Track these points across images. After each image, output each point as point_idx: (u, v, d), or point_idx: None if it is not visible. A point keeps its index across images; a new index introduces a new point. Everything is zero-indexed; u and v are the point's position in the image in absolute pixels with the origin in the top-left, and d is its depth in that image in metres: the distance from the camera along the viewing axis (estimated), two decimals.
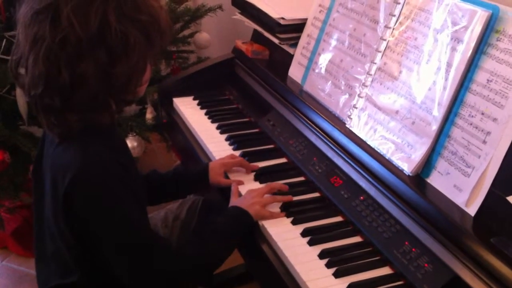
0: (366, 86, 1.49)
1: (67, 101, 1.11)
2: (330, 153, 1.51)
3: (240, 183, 1.53)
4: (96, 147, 1.17)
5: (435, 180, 1.27)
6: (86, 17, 1.06)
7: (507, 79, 1.15)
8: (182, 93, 2.02)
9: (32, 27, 1.09)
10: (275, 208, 1.42)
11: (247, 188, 1.50)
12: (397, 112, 1.38)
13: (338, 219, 1.39)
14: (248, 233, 1.38)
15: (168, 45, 1.22)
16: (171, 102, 2.00)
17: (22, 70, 1.14)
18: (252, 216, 1.36)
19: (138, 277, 1.21)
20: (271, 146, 1.71)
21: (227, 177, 1.57)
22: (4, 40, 1.98)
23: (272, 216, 1.39)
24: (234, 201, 1.45)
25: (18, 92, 1.87)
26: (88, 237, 1.19)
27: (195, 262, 1.28)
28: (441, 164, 1.26)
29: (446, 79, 1.27)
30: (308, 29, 1.76)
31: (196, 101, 1.99)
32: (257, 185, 1.53)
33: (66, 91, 1.10)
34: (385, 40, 1.46)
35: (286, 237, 1.32)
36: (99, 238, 1.18)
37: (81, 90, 1.10)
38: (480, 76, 1.21)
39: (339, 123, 1.53)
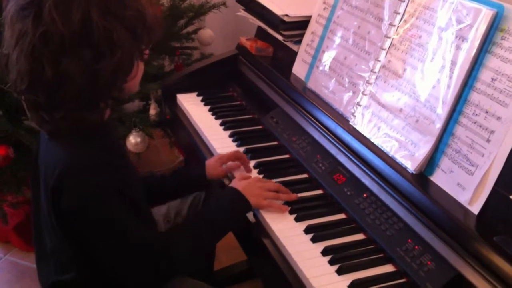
0: (370, 84, 1.49)
1: (52, 98, 1.10)
2: (333, 151, 1.51)
3: (239, 166, 1.56)
4: (83, 145, 1.17)
5: (438, 178, 1.27)
6: (68, 13, 1.05)
7: None
8: (186, 90, 2.02)
9: (16, 24, 1.08)
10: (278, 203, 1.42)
11: None
12: (401, 110, 1.38)
13: (341, 216, 1.39)
14: (248, 226, 1.38)
15: (157, 40, 1.20)
16: (175, 99, 2.00)
17: (11, 69, 1.13)
18: (251, 205, 1.36)
19: (128, 273, 1.21)
20: (275, 143, 1.71)
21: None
22: None
23: (270, 205, 1.38)
24: (237, 182, 1.42)
25: None
26: (78, 234, 1.19)
27: (188, 255, 1.28)
28: (444, 162, 1.26)
29: (450, 78, 1.27)
30: (312, 27, 1.76)
31: (200, 98, 1.99)
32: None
33: (50, 88, 1.09)
34: (389, 38, 1.46)
35: (289, 233, 1.32)
36: (86, 235, 1.18)
37: (65, 87, 1.09)
38: (485, 75, 1.21)
39: (343, 121, 1.53)
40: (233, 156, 1.58)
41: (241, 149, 1.67)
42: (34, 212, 1.32)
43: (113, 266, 1.21)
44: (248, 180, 1.43)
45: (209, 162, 1.58)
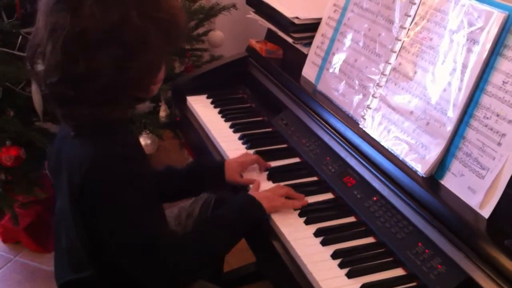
0: (381, 87, 1.49)
1: (80, 92, 1.12)
2: (343, 153, 1.51)
3: (257, 183, 1.53)
4: (108, 141, 1.18)
5: (449, 181, 1.26)
6: (108, 10, 1.08)
7: None
8: (196, 92, 2.02)
9: (52, 16, 1.10)
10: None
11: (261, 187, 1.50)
12: (411, 112, 1.38)
13: (351, 219, 1.39)
14: (258, 227, 1.38)
15: (182, 44, 1.24)
16: (185, 100, 2.00)
17: (38, 60, 1.15)
18: (265, 209, 1.36)
19: (143, 271, 1.21)
20: (284, 145, 1.71)
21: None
22: (20, 37, 1.99)
23: (284, 204, 1.39)
24: (251, 191, 1.45)
25: (34, 88, 1.88)
26: (99, 231, 1.20)
27: (201, 257, 1.27)
28: (455, 166, 1.25)
29: (461, 80, 1.26)
30: (322, 29, 1.76)
31: (210, 100, 1.99)
32: (270, 184, 1.53)
33: (80, 82, 1.11)
34: (400, 40, 1.46)
35: (299, 236, 1.32)
36: (106, 232, 1.19)
37: (95, 82, 1.11)
38: (496, 78, 1.20)
39: (353, 123, 1.53)
40: (254, 162, 1.58)
41: (251, 151, 1.67)
42: (56, 211, 1.34)
43: (126, 261, 1.21)
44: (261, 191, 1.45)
45: (230, 165, 1.56)
